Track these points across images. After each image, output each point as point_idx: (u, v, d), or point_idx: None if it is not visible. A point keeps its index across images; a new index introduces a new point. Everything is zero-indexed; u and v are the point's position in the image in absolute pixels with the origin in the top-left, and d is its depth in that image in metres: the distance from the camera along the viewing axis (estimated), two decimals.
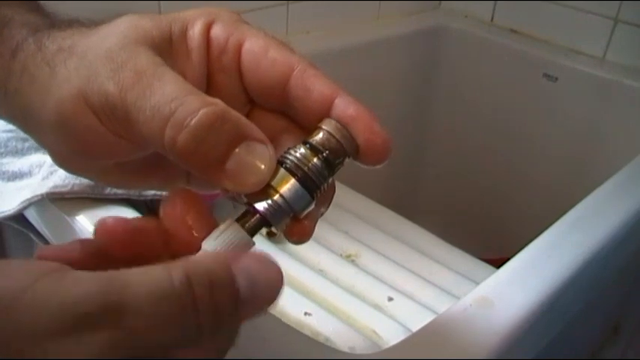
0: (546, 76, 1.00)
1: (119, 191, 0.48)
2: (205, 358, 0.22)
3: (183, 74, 0.28)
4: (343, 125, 0.28)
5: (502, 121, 1.08)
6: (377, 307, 0.58)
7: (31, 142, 0.52)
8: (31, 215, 0.50)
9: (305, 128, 0.29)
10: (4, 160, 0.52)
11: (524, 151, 1.06)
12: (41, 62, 0.29)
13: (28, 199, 0.47)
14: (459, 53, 1.09)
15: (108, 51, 0.27)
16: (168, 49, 0.29)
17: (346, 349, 0.50)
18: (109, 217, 0.25)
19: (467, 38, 1.08)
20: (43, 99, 0.28)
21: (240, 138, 0.25)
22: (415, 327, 0.49)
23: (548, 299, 0.43)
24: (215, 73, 0.30)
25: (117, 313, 0.19)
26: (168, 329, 0.20)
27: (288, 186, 0.26)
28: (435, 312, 0.58)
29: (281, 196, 0.26)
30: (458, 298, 0.59)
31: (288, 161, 0.27)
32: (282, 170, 0.27)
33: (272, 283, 0.23)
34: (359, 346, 0.51)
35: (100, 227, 0.25)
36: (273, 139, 0.28)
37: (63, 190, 0.47)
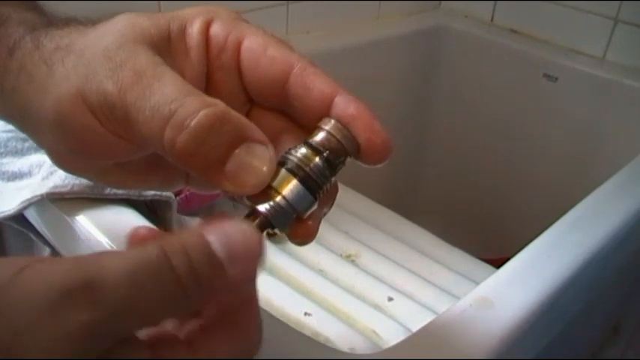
0: (546, 76, 1.00)
1: (119, 191, 0.48)
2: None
3: (182, 73, 0.28)
4: (343, 125, 0.27)
5: (502, 121, 1.08)
6: (377, 307, 0.58)
7: (31, 142, 0.52)
8: (31, 215, 0.50)
9: (305, 127, 0.29)
10: (4, 160, 0.52)
11: (524, 151, 1.06)
12: (39, 61, 0.29)
13: (27, 200, 0.47)
14: (459, 53, 1.09)
15: (106, 50, 0.27)
16: (166, 47, 0.29)
17: (346, 350, 0.50)
18: (141, 226, 0.25)
19: (467, 38, 1.08)
20: (40, 98, 0.28)
21: (240, 139, 0.25)
22: (415, 327, 0.49)
23: (548, 299, 0.43)
24: (214, 72, 0.30)
25: (94, 289, 0.19)
26: (150, 298, 0.20)
27: (290, 187, 0.26)
28: (435, 312, 0.58)
29: (283, 197, 0.26)
30: (458, 298, 0.59)
31: (289, 162, 0.27)
32: (283, 171, 0.26)
33: (248, 239, 0.23)
34: (359, 346, 0.51)
35: (133, 237, 0.25)
36: (273, 139, 0.28)
37: (63, 190, 0.47)
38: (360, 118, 0.27)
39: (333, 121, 0.27)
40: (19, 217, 0.50)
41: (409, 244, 0.69)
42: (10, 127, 0.48)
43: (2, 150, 0.52)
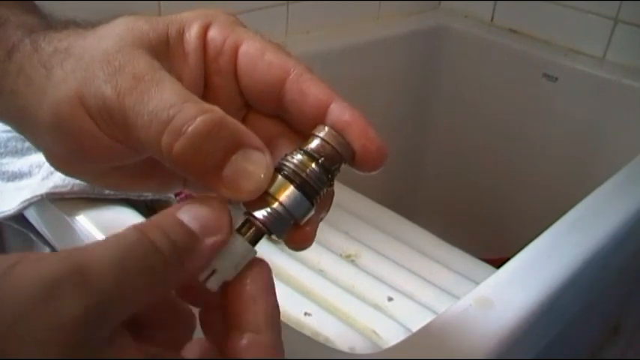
0: (546, 76, 1.00)
1: (118, 192, 0.48)
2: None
3: (179, 77, 0.28)
4: (338, 132, 0.27)
5: (502, 121, 1.08)
6: (377, 307, 0.58)
7: None
8: (31, 215, 0.50)
9: (300, 133, 0.29)
10: (4, 161, 0.52)
11: (524, 151, 1.06)
12: (37, 64, 0.29)
13: (27, 200, 0.47)
14: (458, 53, 1.09)
15: (104, 53, 0.27)
16: (165, 51, 0.29)
17: (346, 350, 0.50)
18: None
19: (467, 38, 1.08)
20: (39, 100, 0.28)
21: (237, 145, 0.25)
22: (415, 327, 0.49)
23: (548, 299, 0.43)
24: (211, 76, 0.30)
25: (84, 276, 0.20)
26: (139, 281, 0.21)
27: (287, 193, 0.26)
28: (435, 312, 0.58)
29: (280, 203, 0.26)
30: (458, 298, 0.59)
31: (285, 168, 0.27)
32: (279, 178, 0.26)
33: (216, 211, 0.24)
34: (359, 346, 0.51)
35: None
36: (269, 144, 0.28)
37: (63, 190, 0.47)
38: (355, 125, 0.27)
39: (327, 129, 0.27)
40: (19, 217, 0.50)
41: (409, 244, 0.70)
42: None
43: (2, 150, 0.52)
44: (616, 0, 0.94)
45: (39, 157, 0.51)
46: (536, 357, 0.47)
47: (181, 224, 0.23)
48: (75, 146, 0.28)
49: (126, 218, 0.47)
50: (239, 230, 0.26)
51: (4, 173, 0.51)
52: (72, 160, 0.30)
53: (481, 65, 1.07)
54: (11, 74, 0.29)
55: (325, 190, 0.27)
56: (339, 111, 0.28)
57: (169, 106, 0.25)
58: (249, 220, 0.26)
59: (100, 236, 0.44)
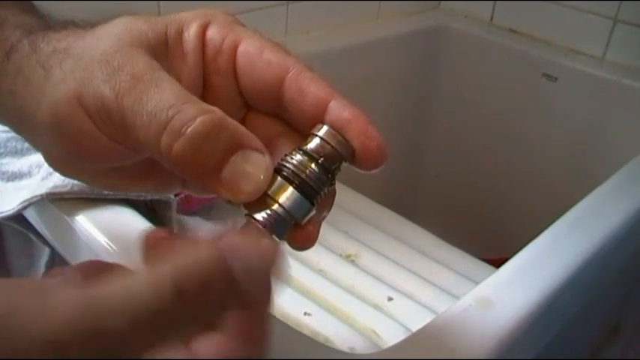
0: (546, 76, 1.00)
1: (117, 192, 0.48)
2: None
3: (178, 77, 0.28)
4: (337, 130, 0.27)
5: (502, 121, 1.08)
6: (377, 307, 0.58)
7: None
8: (31, 215, 0.50)
9: (300, 132, 0.29)
10: (4, 161, 0.52)
11: (524, 151, 1.06)
12: (36, 64, 0.29)
13: (27, 200, 0.47)
14: (458, 53, 1.09)
15: (103, 53, 0.27)
16: (164, 51, 0.29)
17: (346, 349, 0.50)
18: (153, 230, 0.25)
19: (466, 38, 1.08)
20: (37, 101, 0.28)
21: (236, 146, 0.25)
22: (415, 327, 0.49)
23: (548, 299, 0.43)
24: (211, 75, 0.30)
25: (95, 338, 0.19)
26: (159, 332, 0.20)
27: (286, 194, 0.26)
28: (435, 312, 0.58)
29: (280, 205, 0.26)
30: (458, 298, 0.59)
31: (284, 169, 0.26)
32: (279, 179, 0.26)
33: (267, 251, 0.22)
34: (359, 346, 0.51)
35: (146, 241, 0.25)
36: (269, 143, 0.28)
37: (62, 190, 0.47)
38: (355, 122, 0.27)
39: (326, 128, 0.27)
40: (18, 218, 0.50)
41: (409, 244, 0.70)
42: None
43: (2, 150, 0.52)
44: (615, 0, 0.94)
45: (39, 157, 0.51)
46: (536, 357, 0.47)
47: (224, 271, 0.21)
48: (73, 147, 0.28)
49: (125, 218, 0.47)
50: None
51: (3, 173, 0.51)
52: (70, 161, 0.30)
53: (481, 65, 1.07)
54: (10, 75, 0.29)
55: (326, 189, 0.27)
56: (339, 109, 0.27)
57: (168, 106, 0.25)
58: (250, 223, 0.26)
59: (99, 236, 0.44)
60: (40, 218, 0.50)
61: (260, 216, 0.26)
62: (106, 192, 0.48)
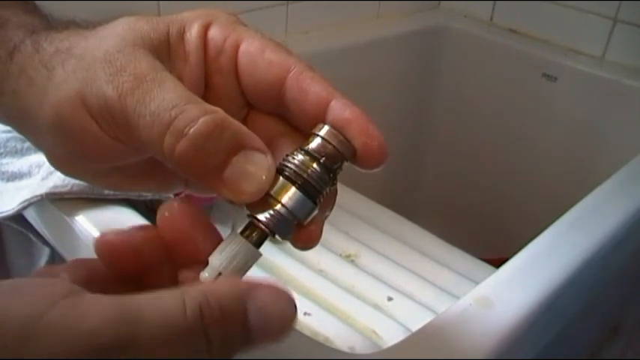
0: (546, 75, 1.00)
1: (118, 192, 0.48)
2: None
3: (180, 76, 0.28)
4: (338, 130, 0.27)
5: (502, 120, 1.08)
6: (377, 307, 0.58)
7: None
8: (31, 215, 0.50)
9: (301, 131, 0.29)
10: (4, 161, 0.52)
11: (524, 151, 1.06)
12: (39, 64, 0.29)
13: (27, 200, 0.47)
14: (458, 53, 1.09)
15: (106, 54, 0.27)
16: (166, 51, 0.29)
17: (346, 349, 0.50)
18: (109, 231, 0.25)
19: (466, 38, 1.08)
20: (40, 101, 0.28)
21: (238, 147, 0.25)
22: (415, 327, 0.49)
23: (547, 299, 0.43)
24: (212, 75, 0.30)
25: (128, 346, 0.19)
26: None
27: (289, 194, 0.26)
28: (435, 312, 0.58)
29: (283, 205, 0.26)
30: (458, 298, 0.59)
31: (286, 169, 0.26)
32: (281, 179, 0.26)
33: (284, 314, 0.23)
34: (359, 346, 0.51)
35: (100, 242, 0.25)
36: (271, 143, 0.28)
37: (62, 190, 0.47)
38: (356, 122, 0.27)
39: (327, 127, 0.27)
40: (18, 218, 0.50)
41: (409, 244, 0.70)
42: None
43: (2, 150, 0.52)
44: (615, 0, 0.94)
45: (39, 157, 0.51)
46: (536, 357, 0.47)
47: (244, 317, 0.22)
48: (76, 146, 0.28)
49: (125, 218, 0.47)
50: (243, 233, 0.26)
51: (3, 173, 0.51)
52: (73, 161, 0.30)
53: (481, 65, 1.07)
54: (12, 75, 0.29)
55: (328, 189, 0.27)
56: (340, 108, 0.27)
57: (171, 107, 0.25)
58: (253, 223, 0.26)
59: None
60: (40, 218, 0.50)
61: (263, 216, 0.26)
62: (106, 192, 0.48)
